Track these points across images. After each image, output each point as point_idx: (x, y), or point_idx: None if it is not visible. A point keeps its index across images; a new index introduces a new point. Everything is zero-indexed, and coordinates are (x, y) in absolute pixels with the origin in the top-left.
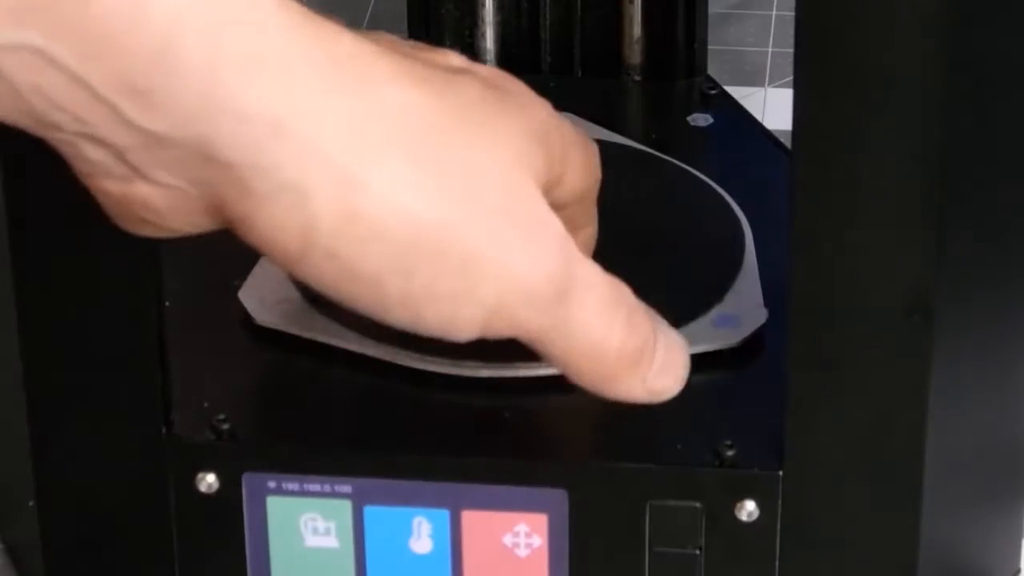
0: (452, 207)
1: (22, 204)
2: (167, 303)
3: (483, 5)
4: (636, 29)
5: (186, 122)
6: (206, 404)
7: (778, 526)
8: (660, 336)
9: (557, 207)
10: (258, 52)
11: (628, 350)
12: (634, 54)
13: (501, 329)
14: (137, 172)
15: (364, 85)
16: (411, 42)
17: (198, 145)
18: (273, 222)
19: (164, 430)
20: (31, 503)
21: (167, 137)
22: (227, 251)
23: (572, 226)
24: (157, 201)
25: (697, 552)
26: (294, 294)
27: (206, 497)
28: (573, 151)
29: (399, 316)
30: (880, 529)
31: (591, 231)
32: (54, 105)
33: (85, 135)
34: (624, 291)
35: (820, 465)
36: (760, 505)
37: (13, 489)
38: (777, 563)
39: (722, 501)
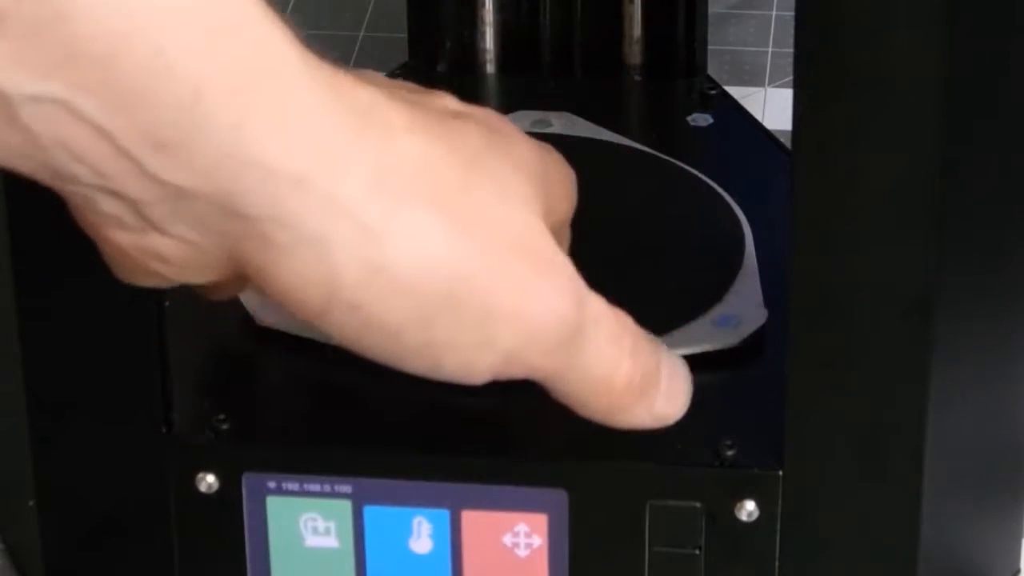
0: (472, 258)
1: (23, 204)
2: (167, 303)
3: (483, 5)
4: (636, 29)
5: (209, 176)
6: (206, 404)
7: (778, 526)
8: (664, 362)
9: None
10: (283, 107)
11: (636, 381)
12: (634, 54)
13: (515, 372)
14: (153, 225)
15: (383, 137)
16: (401, 83)
17: (220, 199)
18: (295, 275)
19: (164, 430)
20: (31, 503)
21: (189, 191)
22: None
23: None
24: (171, 253)
25: (697, 552)
26: None
27: (206, 497)
28: (556, 181)
29: (417, 366)
30: (880, 529)
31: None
32: (75, 157)
33: (103, 188)
34: (628, 321)
35: (820, 465)
36: (760, 505)
37: (13, 489)
38: (777, 563)
39: (722, 501)
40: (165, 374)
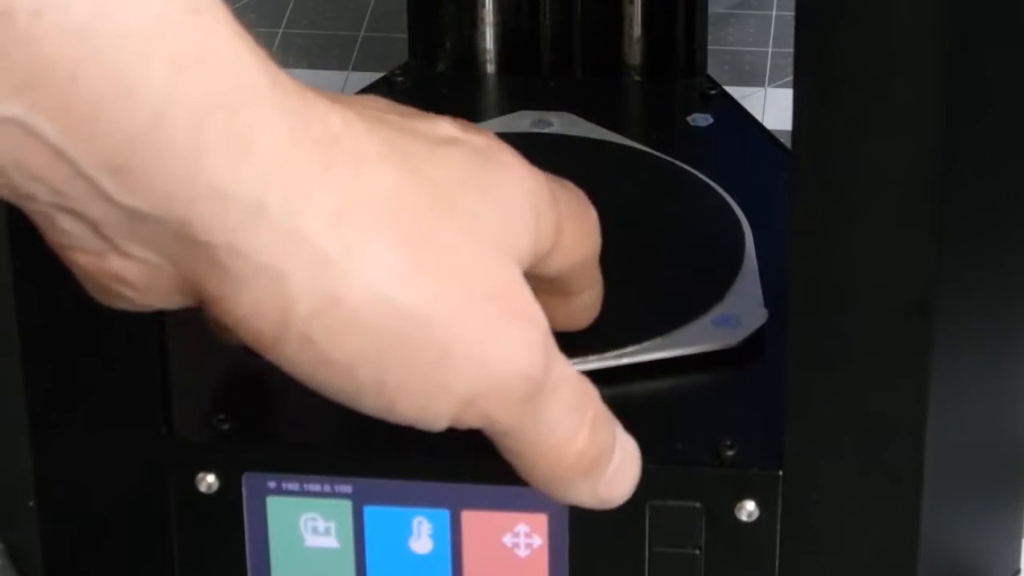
0: (433, 299)
1: None
2: None
3: (483, 5)
4: (636, 29)
5: (166, 201)
6: (206, 404)
7: (778, 526)
8: (618, 443)
9: (552, 276)
10: (246, 135)
11: (588, 455)
12: (634, 54)
13: (472, 421)
14: (112, 245)
15: (350, 168)
16: (402, 108)
17: (176, 224)
18: (249, 305)
19: (164, 430)
20: (31, 503)
21: (146, 214)
22: None
23: (571, 290)
24: (131, 275)
25: (697, 552)
26: None
27: (206, 497)
28: (568, 220)
29: (370, 405)
30: (880, 529)
31: (593, 294)
32: (32, 177)
33: (61, 207)
34: (592, 392)
35: (820, 465)
36: (760, 505)
37: (13, 489)
38: (777, 563)
39: (722, 501)
40: (165, 374)
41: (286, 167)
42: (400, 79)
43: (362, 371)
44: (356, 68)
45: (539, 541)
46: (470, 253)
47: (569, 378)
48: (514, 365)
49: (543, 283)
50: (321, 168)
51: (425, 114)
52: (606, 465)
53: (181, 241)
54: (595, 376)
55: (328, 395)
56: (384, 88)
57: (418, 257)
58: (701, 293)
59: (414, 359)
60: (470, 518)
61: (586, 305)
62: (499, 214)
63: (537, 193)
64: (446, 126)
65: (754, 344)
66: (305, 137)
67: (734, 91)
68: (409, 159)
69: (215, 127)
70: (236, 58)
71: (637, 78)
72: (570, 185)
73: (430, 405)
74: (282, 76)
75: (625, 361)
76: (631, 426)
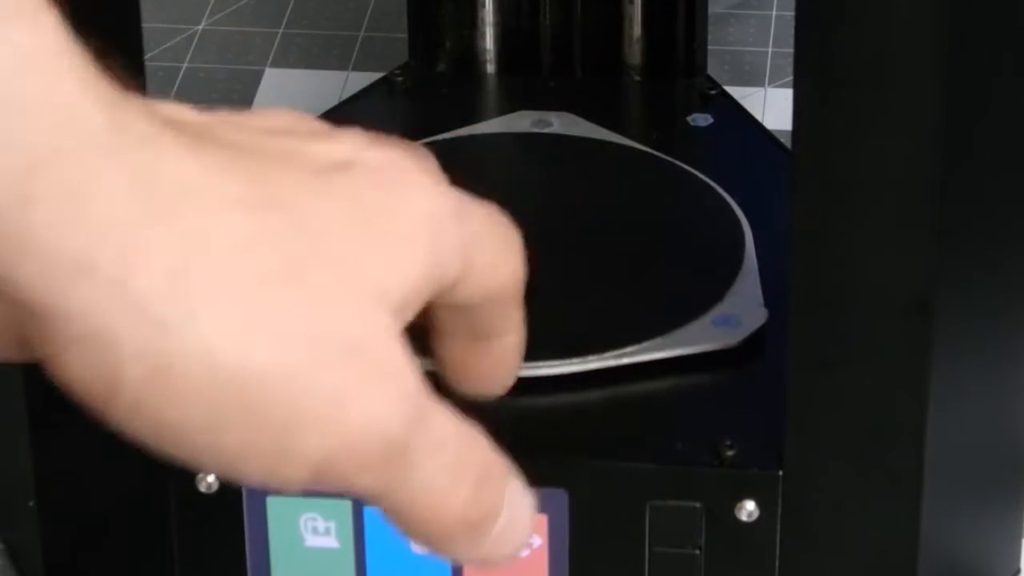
0: (280, 358)
1: None
2: None
3: (483, 5)
4: (636, 29)
5: None
6: None
7: (778, 526)
8: (508, 499)
9: (465, 305)
10: (77, 187)
11: (470, 515)
12: (634, 54)
13: (331, 486)
14: None
15: (196, 218)
16: (311, 124)
17: (1, 284)
18: (78, 368)
19: None
20: (31, 503)
21: None
22: None
23: (488, 332)
24: None
25: (697, 552)
26: None
27: (206, 497)
28: (480, 242)
29: (212, 468)
30: (880, 529)
31: (513, 340)
32: None
33: None
34: (479, 447)
35: (820, 465)
36: (760, 505)
37: (13, 489)
38: (777, 563)
39: (722, 501)
40: None
41: (120, 222)
42: (400, 79)
43: (197, 437)
44: (356, 68)
45: (539, 541)
46: (330, 304)
47: (449, 437)
48: (371, 427)
49: (460, 324)
50: (160, 222)
51: (331, 132)
52: (491, 525)
53: (7, 302)
54: (595, 376)
55: (173, 457)
56: (384, 88)
57: (265, 314)
58: (701, 293)
59: (258, 422)
60: None
61: (507, 350)
62: (379, 250)
63: (437, 216)
64: (345, 147)
65: (754, 344)
66: (146, 188)
67: (734, 91)
68: (277, 197)
69: (43, 179)
70: (73, 104)
71: (637, 78)
72: (489, 206)
73: (278, 468)
74: (133, 120)
75: (625, 361)
76: (631, 426)
